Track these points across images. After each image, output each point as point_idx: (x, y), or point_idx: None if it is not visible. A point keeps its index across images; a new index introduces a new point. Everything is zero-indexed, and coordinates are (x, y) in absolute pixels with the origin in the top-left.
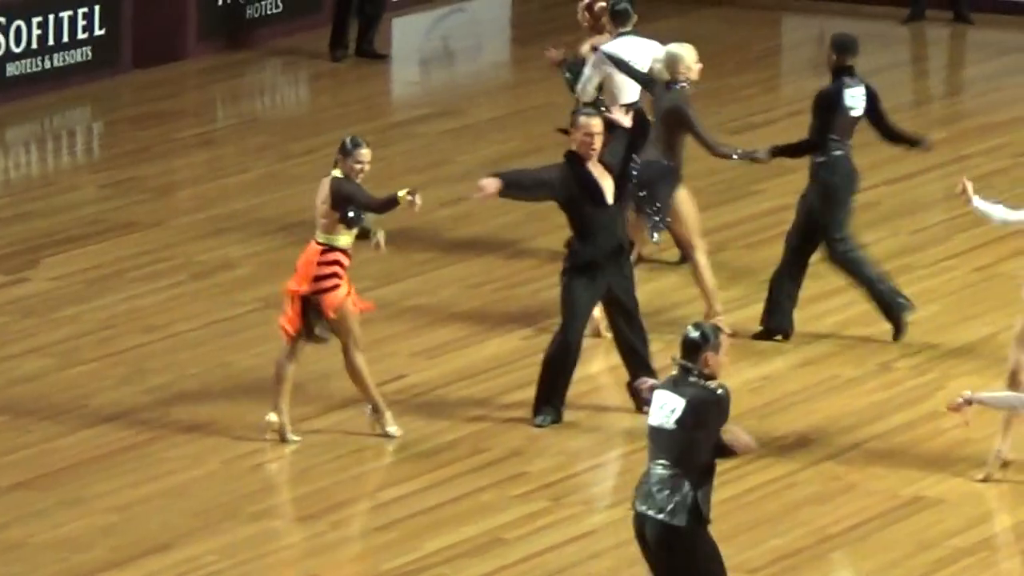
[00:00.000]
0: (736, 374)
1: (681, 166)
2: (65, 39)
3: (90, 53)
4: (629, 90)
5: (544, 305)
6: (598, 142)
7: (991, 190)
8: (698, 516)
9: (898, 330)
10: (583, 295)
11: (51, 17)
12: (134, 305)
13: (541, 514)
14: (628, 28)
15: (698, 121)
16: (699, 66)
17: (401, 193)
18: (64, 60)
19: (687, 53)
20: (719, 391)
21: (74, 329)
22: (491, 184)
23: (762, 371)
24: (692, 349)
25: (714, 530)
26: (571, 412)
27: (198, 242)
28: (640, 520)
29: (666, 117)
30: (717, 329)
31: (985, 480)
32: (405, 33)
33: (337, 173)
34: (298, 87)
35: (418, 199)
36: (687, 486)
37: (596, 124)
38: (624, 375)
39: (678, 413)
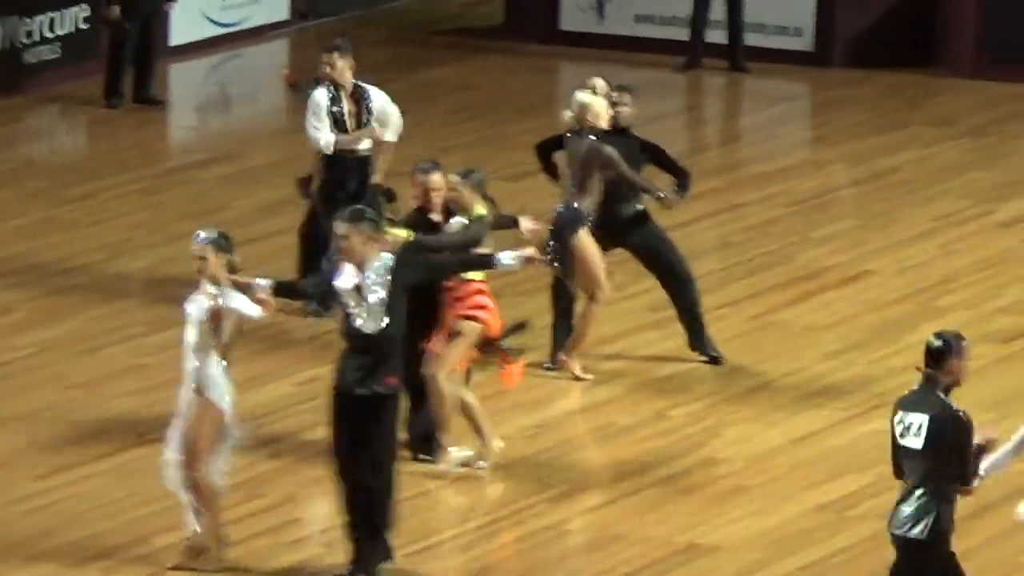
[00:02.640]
0: (510, 421)
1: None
2: None
3: None
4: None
5: (319, 351)
6: (451, 196)
7: (767, 238)
8: (939, 532)
9: None
10: None
11: None
12: None
13: (314, 560)
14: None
15: (623, 165)
16: (610, 113)
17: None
18: None
19: (596, 101)
20: (960, 412)
21: None
22: None
23: (536, 419)
24: (938, 357)
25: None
26: None
27: None
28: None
29: (585, 159)
30: (959, 336)
31: None
32: (182, 79)
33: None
34: (75, 132)
35: None
36: (932, 503)
37: (435, 179)
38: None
39: (924, 431)
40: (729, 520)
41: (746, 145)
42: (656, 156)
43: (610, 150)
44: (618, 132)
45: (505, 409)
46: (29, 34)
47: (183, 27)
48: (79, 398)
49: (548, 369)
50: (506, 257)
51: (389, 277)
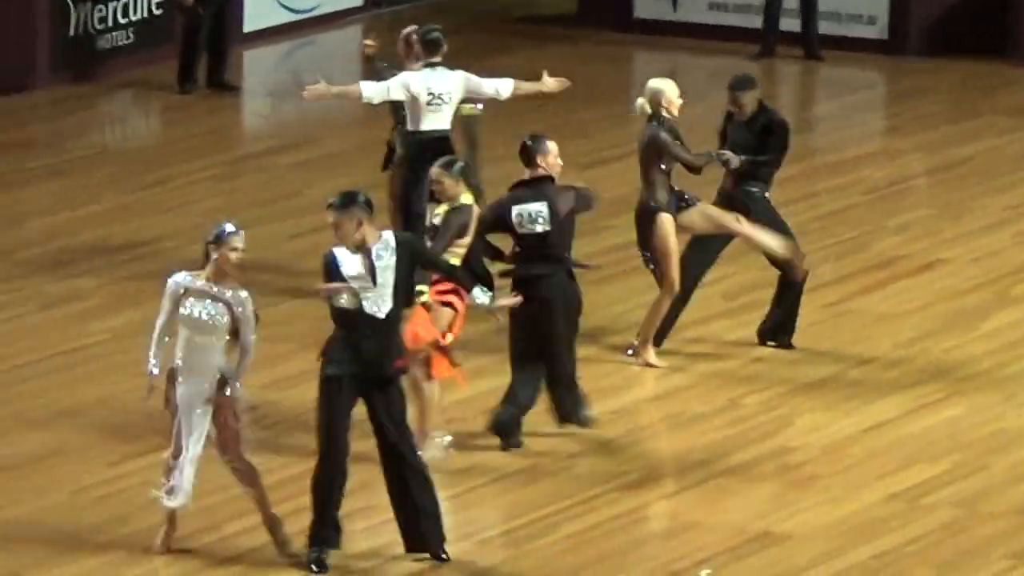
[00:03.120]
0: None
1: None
2: None
3: None
4: (432, 119)
5: None
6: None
7: (841, 227)
8: None
9: None
10: None
11: None
12: None
13: (389, 547)
14: (437, 58)
15: (677, 148)
16: (680, 101)
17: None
18: None
19: (668, 87)
20: None
21: None
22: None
23: (612, 405)
24: None
25: (560, 565)
26: None
27: (46, 273)
28: None
29: (644, 147)
30: None
31: None
32: (256, 65)
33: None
34: (148, 118)
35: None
36: None
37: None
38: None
39: None
40: (802, 508)
41: (820, 134)
42: (780, 138)
43: (664, 137)
44: (744, 122)
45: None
46: (103, 20)
47: (256, 13)
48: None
49: (630, 355)
50: (481, 296)
51: (395, 259)
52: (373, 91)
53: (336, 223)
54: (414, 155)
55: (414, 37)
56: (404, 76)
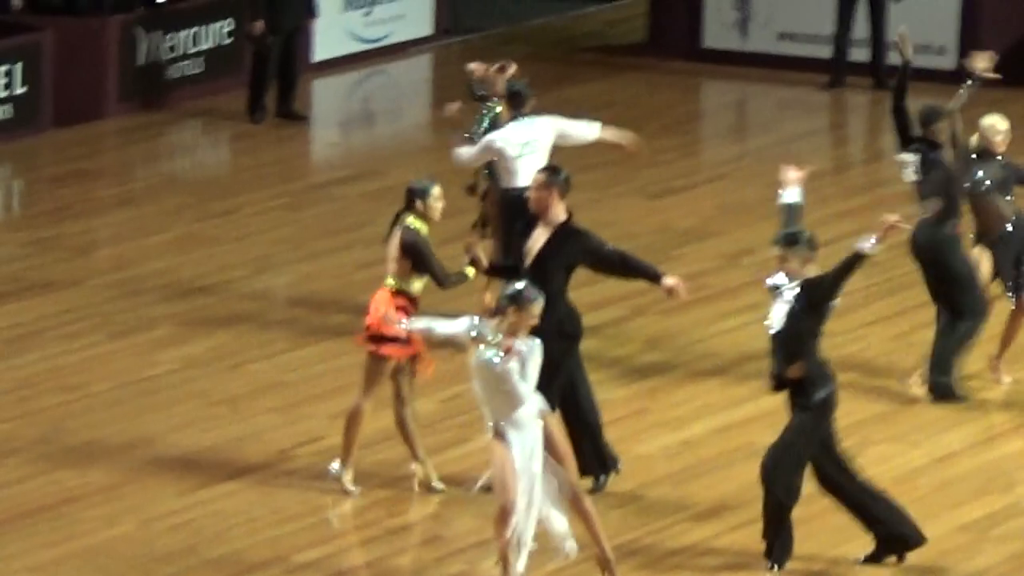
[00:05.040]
0: (654, 439)
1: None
2: None
3: (11, 111)
4: (521, 174)
5: (461, 368)
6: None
7: (911, 257)
8: None
9: None
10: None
11: None
12: (52, 364)
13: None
14: (525, 110)
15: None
16: (1001, 137)
17: (470, 271)
18: None
19: (994, 123)
20: None
21: None
22: None
23: (679, 437)
24: None
25: None
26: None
27: (117, 302)
28: None
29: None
30: None
31: None
32: (325, 95)
33: (410, 222)
34: (217, 147)
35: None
36: None
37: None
38: None
39: None
40: (870, 541)
41: (890, 164)
42: None
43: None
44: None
45: (647, 427)
46: (172, 49)
47: (326, 42)
48: (222, 414)
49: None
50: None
51: None
52: (465, 157)
53: None
54: (506, 212)
55: (503, 72)
56: (488, 138)
